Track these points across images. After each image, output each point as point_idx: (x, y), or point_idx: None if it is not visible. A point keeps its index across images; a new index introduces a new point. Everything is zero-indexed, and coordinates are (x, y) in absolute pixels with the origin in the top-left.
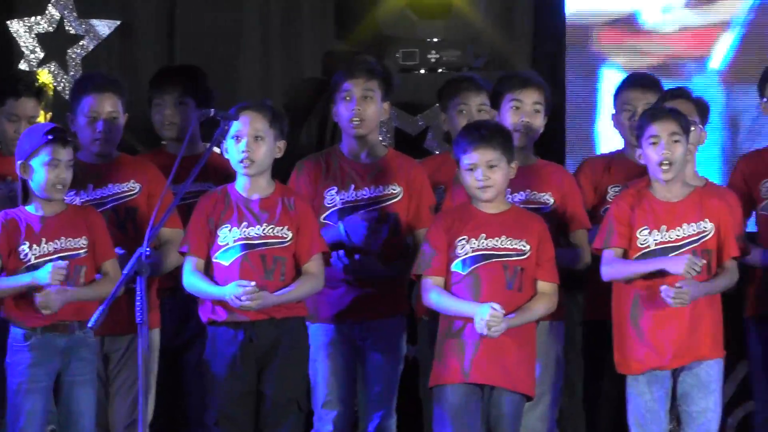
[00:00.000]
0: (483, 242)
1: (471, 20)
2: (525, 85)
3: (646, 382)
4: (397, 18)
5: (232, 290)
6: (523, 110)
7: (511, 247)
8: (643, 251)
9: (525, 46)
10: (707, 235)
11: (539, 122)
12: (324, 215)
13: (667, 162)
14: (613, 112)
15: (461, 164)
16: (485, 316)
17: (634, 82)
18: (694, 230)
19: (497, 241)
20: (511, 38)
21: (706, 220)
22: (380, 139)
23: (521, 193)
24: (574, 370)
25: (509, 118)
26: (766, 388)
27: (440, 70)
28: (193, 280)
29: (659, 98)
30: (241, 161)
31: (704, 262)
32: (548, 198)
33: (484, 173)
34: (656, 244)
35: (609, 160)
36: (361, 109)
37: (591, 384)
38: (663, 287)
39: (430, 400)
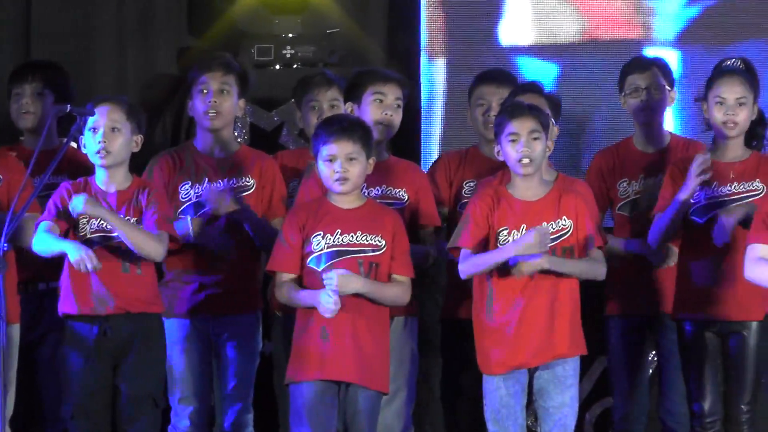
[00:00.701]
0: (338, 238)
1: (326, 16)
2: (388, 79)
3: (502, 378)
4: (253, 14)
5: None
6: (386, 104)
7: (366, 242)
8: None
9: (380, 42)
10: (567, 232)
11: (399, 118)
12: (180, 209)
13: (527, 159)
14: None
15: (320, 156)
16: (329, 295)
17: (488, 77)
18: (553, 228)
19: (352, 236)
20: (367, 33)
21: (564, 217)
22: (235, 134)
23: (377, 188)
24: (431, 366)
25: (371, 111)
26: (624, 385)
27: (295, 66)
28: (43, 236)
29: (510, 93)
30: (98, 152)
31: (551, 230)
32: (403, 194)
33: (342, 165)
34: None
35: (463, 155)
36: (218, 102)
37: (448, 380)
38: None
39: (285, 396)
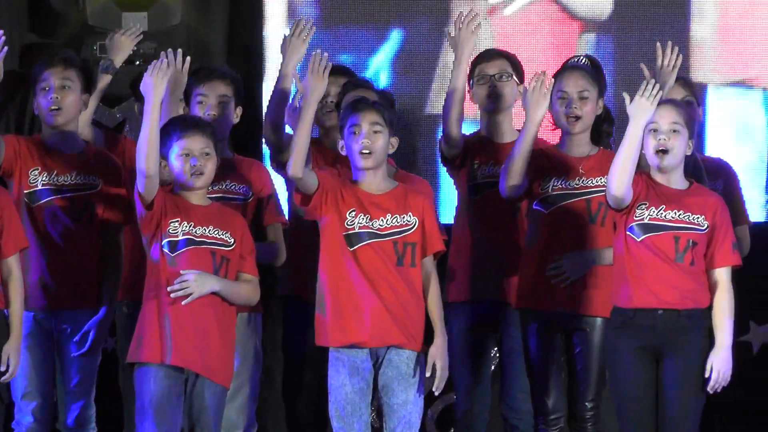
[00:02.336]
0: (193, 229)
1: (172, 11)
2: (209, 77)
3: (347, 374)
4: (103, 10)
5: None
6: (208, 103)
7: (218, 236)
8: (350, 231)
9: (222, 37)
10: (411, 228)
11: (226, 113)
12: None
13: (367, 151)
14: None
15: (172, 152)
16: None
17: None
18: (397, 222)
19: (205, 229)
20: (210, 29)
21: (410, 213)
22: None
23: (218, 185)
24: (273, 361)
25: (197, 112)
26: (465, 381)
27: (138, 63)
28: None
29: (343, 87)
30: None
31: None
32: (245, 191)
33: (198, 161)
34: (360, 228)
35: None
36: (59, 98)
37: (291, 375)
38: None
39: (129, 392)
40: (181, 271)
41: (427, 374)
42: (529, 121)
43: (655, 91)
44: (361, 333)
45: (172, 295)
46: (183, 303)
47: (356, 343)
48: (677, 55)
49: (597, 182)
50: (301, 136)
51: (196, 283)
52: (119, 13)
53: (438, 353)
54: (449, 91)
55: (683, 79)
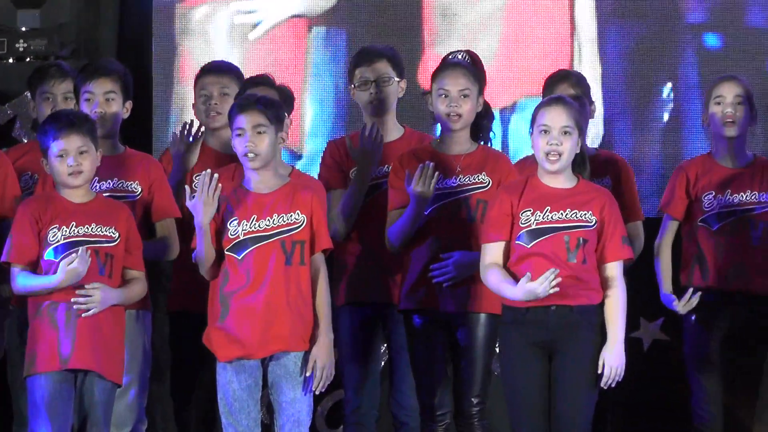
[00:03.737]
0: (74, 230)
1: (62, 8)
2: (96, 74)
3: (234, 371)
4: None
5: None
6: (96, 100)
7: (101, 234)
8: (233, 242)
9: (112, 33)
10: (299, 226)
11: (114, 109)
12: None
13: (252, 153)
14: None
15: (50, 152)
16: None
17: (209, 67)
18: (284, 221)
19: (87, 228)
20: (100, 25)
21: (298, 212)
22: None
23: (108, 181)
24: (162, 357)
25: (86, 109)
26: (354, 378)
27: (28, 59)
28: None
29: (242, 86)
30: None
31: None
32: (135, 187)
33: (75, 160)
34: (244, 234)
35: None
36: None
37: (179, 372)
38: None
39: (21, 390)
40: (86, 286)
41: (307, 373)
42: (414, 202)
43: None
44: (248, 346)
45: (75, 306)
46: (83, 316)
47: (243, 356)
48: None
49: (475, 179)
50: (203, 252)
51: (99, 298)
52: (14, 10)
53: (320, 353)
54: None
55: (575, 76)
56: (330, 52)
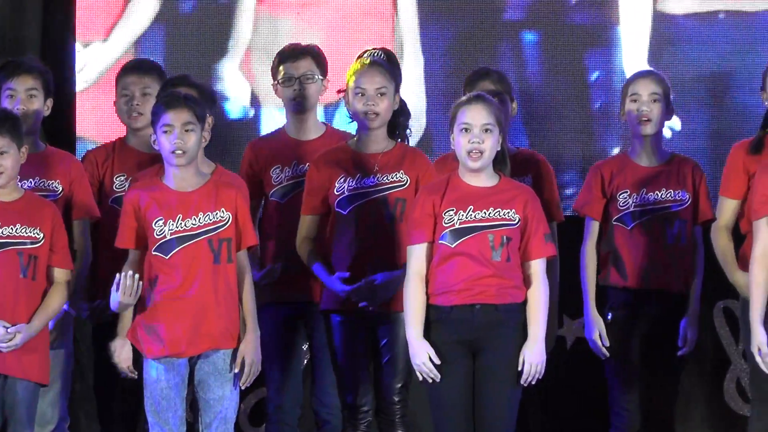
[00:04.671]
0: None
1: None
2: (17, 71)
3: (163, 369)
4: None
5: None
6: (17, 97)
7: (25, 234)
8: (159, 242)
9: (36, 31)
10: (224, 224)
11: (35, 106)
12: None
13: (180, 150)
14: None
15: None
16: None
17: (131, 66)
18: (210, 219)
19: (12, 229)
20: (23, 23)
21: (223, 209)
22: None
23: (29, 180)
24: (84, 355)
25: (7, 106)
26: (276, 376)
27: None
28: None
29: (163, 84)
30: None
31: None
32: (56, 185)
33: None
34: (171, 234)
35: (110, 148)
36: None
37: (101, 370)
38: None
39: None
40: (8, 329)
41: (236, 370)
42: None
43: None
44: (178, 344)
45: None
46: (4, 351)
47: (173, 354)
48: None
49: (392, 178)
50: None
51: (19, 341)
52: None
53: (248, 349)
54: None
55: (496, 74)
56: None
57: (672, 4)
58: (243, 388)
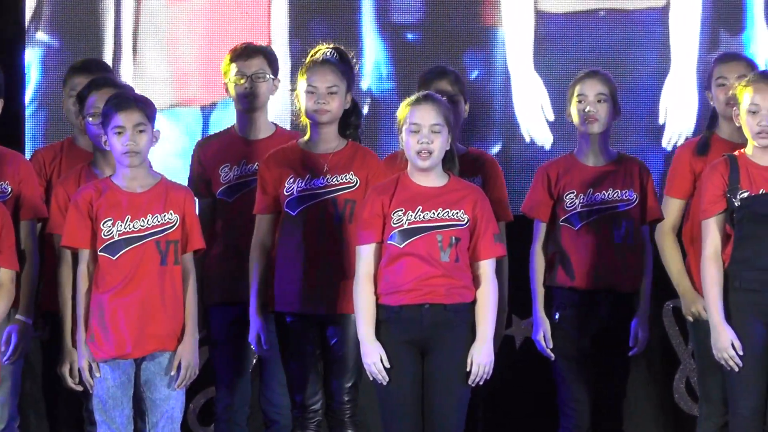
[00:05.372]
0: None
1: None
2: None
3: (109, 369)
4: None
5: None
6: None
7: None
8: (107, 242)
9: None
10: (172, 226)
11: None
12: None
13: (132, 152)
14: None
15: None
16: None
17: (79, 67)
18: (158, 221)
19: None
20: None
21: (171, 211)
22: None
23: None
24: (34, 354)
25: None
26: (226, 375)
27: None
28: None
29: (86, 85)
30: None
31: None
32: (6, 186)
33: None
34: (119, 235)
35: (59, 148)
36: None
37: (50, 371)
38: None
39: None
40: None
41: (172, 372)
42: None
43: None
44: (124, 346)
45: None
46: None
47: (119, 356)
48: None
49: (342, 179)
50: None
51: None
52: None
53: (185, 352)
54: None
55: (453, 74)
56: None
57: (552, 3)
58: (176, 390)
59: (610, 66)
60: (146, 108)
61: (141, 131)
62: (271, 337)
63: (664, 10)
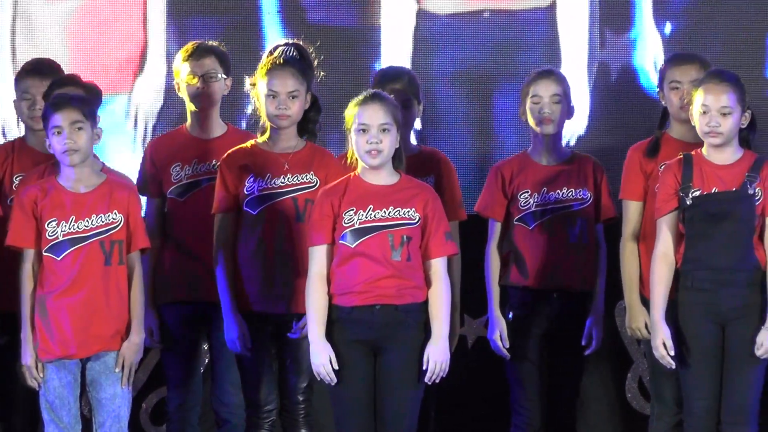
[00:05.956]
0: None
1: None
2: None
3: (55, 369)
4: None
5: None
6: None
7: None
8: (51, 243)
9: None
10: (116, 226)
11: None
12: None
13: (71, 150)
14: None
15: None
16: None
17: (30, 68)
18: (103, 221)
19: None
20: None
21: (115, 211)
22: None
23: None
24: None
25: None
26: (177, 375)
27: None
28: None
29: (49, 87)
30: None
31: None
32: None
33: None
34: (64, 235)
35: (10, 148)
36: None
37: (2, 372)
38: None
39: None
40: None
41: (116, 370)
42: None
43: None
44: (68, 346)
45: None
46: None
47: (64, 356)
48: None
49: (302, 179)
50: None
51: None
52: None
53: (128, 351)
54: None
55: (408, 76)
56: None
57: (435, 4)
58: (122, 389)
59: (496, 68)
60: (83, 106)
61: (79, 129)
62: (222, 336)
63: (550, 9)
